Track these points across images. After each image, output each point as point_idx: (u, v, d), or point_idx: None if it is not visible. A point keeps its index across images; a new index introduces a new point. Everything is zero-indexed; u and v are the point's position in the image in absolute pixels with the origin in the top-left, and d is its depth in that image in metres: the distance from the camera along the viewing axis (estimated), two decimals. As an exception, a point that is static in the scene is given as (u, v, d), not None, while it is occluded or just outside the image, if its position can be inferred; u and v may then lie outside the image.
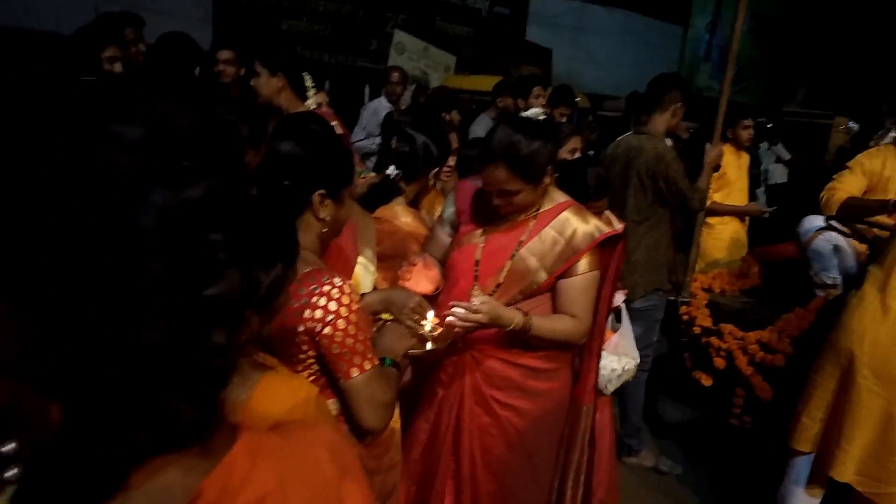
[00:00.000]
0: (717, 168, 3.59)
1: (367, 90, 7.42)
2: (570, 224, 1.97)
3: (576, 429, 2.15)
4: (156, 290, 0.51)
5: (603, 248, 2.01)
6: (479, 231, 2.05)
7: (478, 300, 1.83)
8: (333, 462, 0.67)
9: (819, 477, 2.36)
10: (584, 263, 1.96)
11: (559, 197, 2.04)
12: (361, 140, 4.88)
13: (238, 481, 0.58)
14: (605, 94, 8.13)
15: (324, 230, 1.47)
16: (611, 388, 2.32)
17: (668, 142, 3.20)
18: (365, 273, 1.88)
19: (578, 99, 5.00)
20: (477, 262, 2.01)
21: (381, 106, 5.07)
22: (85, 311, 0.50)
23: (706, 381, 3.19)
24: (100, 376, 0.50)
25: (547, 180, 1.93)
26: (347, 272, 1.77)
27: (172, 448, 0.55)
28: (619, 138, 3.25)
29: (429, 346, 1.71)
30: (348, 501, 0.67)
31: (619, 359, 2.31)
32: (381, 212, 2.28)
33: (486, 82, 5.76)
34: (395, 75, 5.21)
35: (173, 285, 0.52)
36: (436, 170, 2.33)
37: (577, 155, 2.92)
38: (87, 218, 0.51)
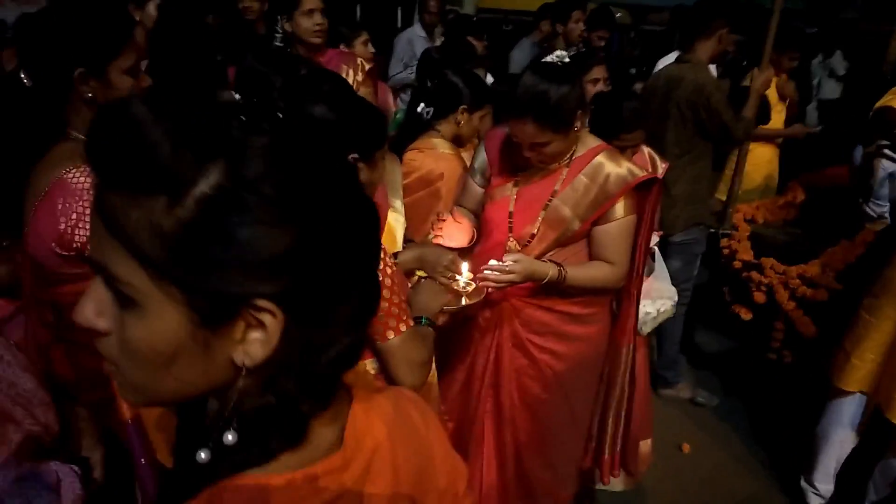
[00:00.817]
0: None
1: (399, 13, 7.20)
2: (602, 169, 1.93)
3: (615, 369, 2.19)
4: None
5: (639, 190, 1.97)
6: (511, 183, 2.02)
7: (510, 258, 1.82)
8: (421, 416, 0.76)
9: (863, 416, 2.34)
10: (619, 208, 1.93)
11: (591, 141, 1.99)
12: (399, 73, 4.76)
13: (360, 432, 0.66)
14: (649, 4, 7.73)
15: None
16: (646, 329, 2.33)
17: (713, 69, 3.05)
18: (397, 225, 1.89)
19: (619, 15, 4.77)
20: (510, 215, 2.00)
21: (416, 36, 4.92)
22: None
23: (746, 316, 3.17)
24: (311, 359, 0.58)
25: (578, 125, 1.88)
26: (381, 226, 1.78)
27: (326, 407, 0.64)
28: (660, 69, 3.11)
29: (464, 301, 1.72)
30: (436, 447, 0.76)
31: (653, 302, 2.31)
32: (420, 143, 2.28)
33: (526, 2, 5.52)
34: (433, 4, 5.01)
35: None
36: (469, 112, 2.30)
37: (600, 86, 2.82)
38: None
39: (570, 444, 2.22)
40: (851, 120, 3.87)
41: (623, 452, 2.30)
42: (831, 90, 6.44)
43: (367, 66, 2.71)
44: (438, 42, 4.64)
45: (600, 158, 1.94)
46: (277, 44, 2.64)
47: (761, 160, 3.90)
